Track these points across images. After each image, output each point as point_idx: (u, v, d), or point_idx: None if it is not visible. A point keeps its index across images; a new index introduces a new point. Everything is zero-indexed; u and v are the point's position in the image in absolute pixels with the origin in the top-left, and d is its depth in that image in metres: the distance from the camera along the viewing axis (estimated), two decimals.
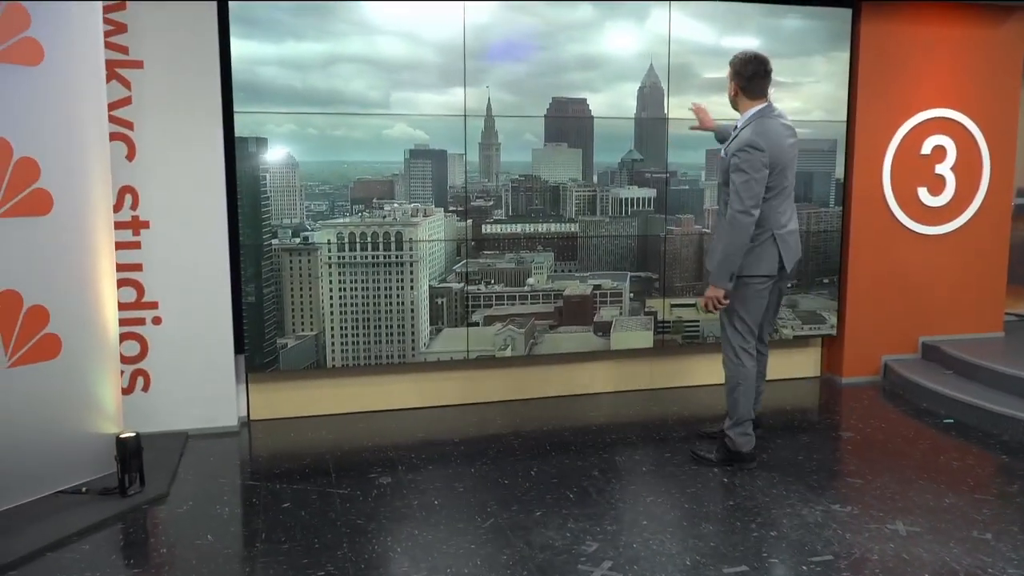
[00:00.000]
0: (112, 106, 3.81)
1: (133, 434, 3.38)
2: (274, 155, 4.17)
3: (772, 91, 3.68)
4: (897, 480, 3.60)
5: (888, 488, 3.52)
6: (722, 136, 4.00)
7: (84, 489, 3.38)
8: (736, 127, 3.67)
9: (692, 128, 4.18)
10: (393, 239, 4.37)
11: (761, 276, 3.61)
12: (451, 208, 4.46)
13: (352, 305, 4.36)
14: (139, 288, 4.02)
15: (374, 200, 4.37)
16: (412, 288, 4.43)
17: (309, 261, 4.29)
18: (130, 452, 3.36)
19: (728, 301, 3.59)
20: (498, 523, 3.18)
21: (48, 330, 3.22)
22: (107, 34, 3.75)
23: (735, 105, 3.69)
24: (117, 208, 3.90)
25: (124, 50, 3.87)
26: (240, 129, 4.08)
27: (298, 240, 4.27)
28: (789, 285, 3.82)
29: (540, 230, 4.66)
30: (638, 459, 3.88)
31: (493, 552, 2.95)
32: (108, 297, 3.43)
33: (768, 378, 5.09)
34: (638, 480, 3.63)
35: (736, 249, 3.50)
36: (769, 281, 3.64)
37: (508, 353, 4.62)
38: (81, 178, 3.29)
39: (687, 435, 4.20)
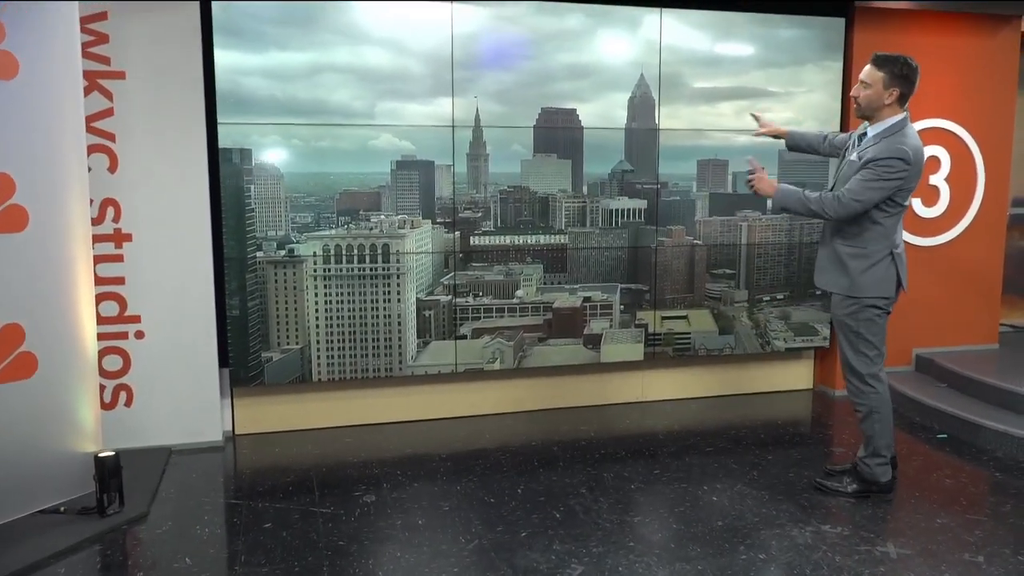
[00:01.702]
0: (94, 118, 3.77)
1: (112, 452, 3.32)
2: (259, 166, 4.12)
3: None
4: (888, 499, 3.55)
5: (879, 507, 3.47)
6: (798, 143, 3.80)
7: (62, 509, 3.32)
8: (868, 133, 3.39)
9: (758, 134, 3.91)
10: (380, 251, 4.32)
11: (882, 298, 3.42)
12: (439, 220, 4.41)
13: (338, 318, 4.30)
14: (121, 302, 3.96)
15: (360, 212, 4.32)
16: (399, 301, 4.37)
17: (294, 274, 4.24)
18: (109, 471, 3.30)
19: (764, 193, 3.44)
20: (482, 544, 3.13)
21: (23, 348, 3.16)
22: (89, 44, 3.71)
23: (875, 111, 3.35)
24: (99, 221, 3.85)
25: (106, 61, 3.82)
26: (224, 140, 4.03)
27: (283, 252, 4.21)
28: None
29: (529, 242, 4.61)
30: (627, 476, 3.83)
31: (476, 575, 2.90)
32: (86, 314, 3.37)
33: (760, 390, 5.14)
34: (626, 498, 3.57)
35: (810, 209, 3.35)
36: (889, 303, 3.45)
37: (497, 366, 4.57)
38: (58, 193, 3.23)
39: (677, 450, 4.16)
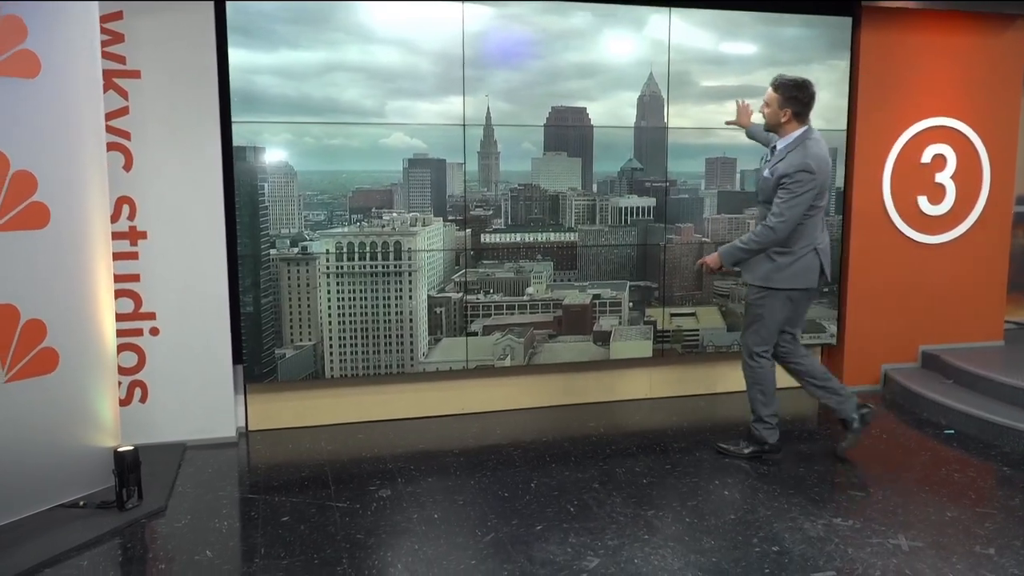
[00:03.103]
0: (109, 116, 3.79)
1: (131, 447, 3.36)
2: (272, 164, 4.15)
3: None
4: (898, 492, 3.59)
5: (890, 501, 3.51)
6: (755, 136, 4.20)
7: (82, 503, 3.35)
8: (777, 147, 3.77)
9: (728, 123, 4.34)
10: (392, 249, 4.35)
11: (796, 290, 3.78)
12: (450, 217, 4.45)
13: (351, 315, 4.34)
14: (137, 299, 3.99)
15: (373, 209, 4.35)
16: (411, 298, 4.41)
17: (307, 271, 4.27)
18: (128, 466, 3.34)
19: (718, 268, 3.90)
20: (498, 537, 3.17)
21: (45, 344, 3.20)
22: (104, 44, 3.73)
23: (776, 127, 3.77)
24: (114, 219, 3.87)
25: (122, 60, 3.85)
26: (238, 138, 4.06)
27: (296, 250, 4.25)
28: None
29: (539, 239, 4.64)
30: (638, 471, 3.86)
31: (494, 567, 2.93)
32: (106, 310, 3.41)
33: None
34: (639, 493, 3.61)
35: (754, 251, 3.73)
36: (806, 293, 3.84)
37: (507, 363, 4.60)
38: (78, 191, 3.27)
39: (687, 445, 4.19)
